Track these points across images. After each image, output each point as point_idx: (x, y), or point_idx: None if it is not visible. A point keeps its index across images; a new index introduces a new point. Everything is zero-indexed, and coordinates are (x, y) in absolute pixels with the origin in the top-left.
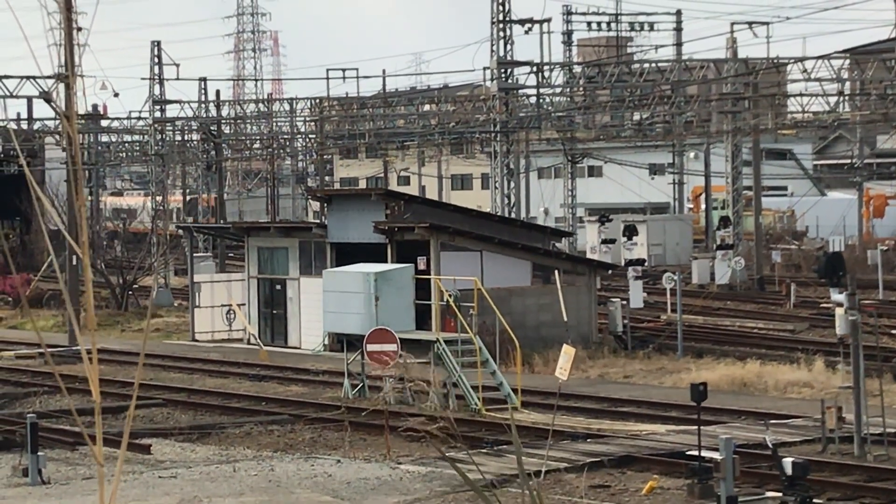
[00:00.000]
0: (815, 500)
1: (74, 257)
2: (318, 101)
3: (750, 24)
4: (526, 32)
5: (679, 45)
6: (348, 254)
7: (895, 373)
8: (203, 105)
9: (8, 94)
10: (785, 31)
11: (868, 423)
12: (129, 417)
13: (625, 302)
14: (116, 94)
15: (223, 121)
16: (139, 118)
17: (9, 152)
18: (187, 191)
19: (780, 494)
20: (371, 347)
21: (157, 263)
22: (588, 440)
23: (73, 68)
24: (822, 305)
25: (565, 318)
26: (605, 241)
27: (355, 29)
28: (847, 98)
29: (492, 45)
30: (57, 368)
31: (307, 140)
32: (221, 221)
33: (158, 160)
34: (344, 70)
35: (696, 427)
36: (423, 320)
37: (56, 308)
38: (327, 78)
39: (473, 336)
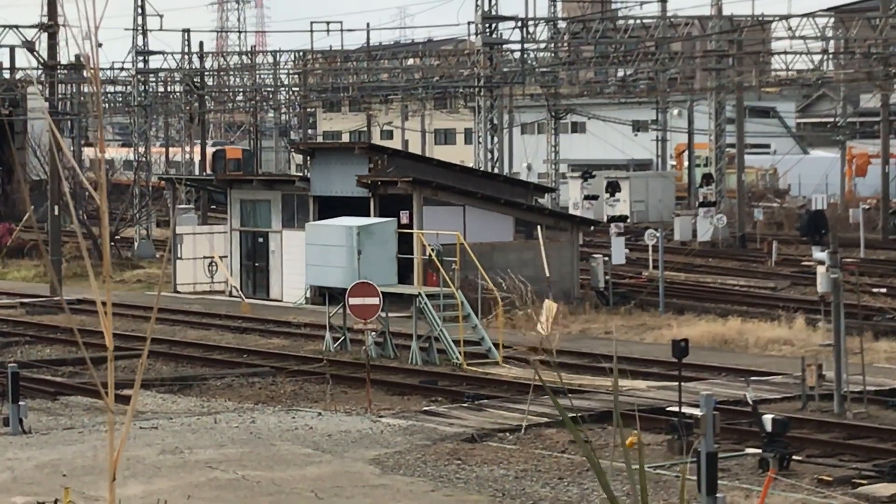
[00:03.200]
0: (794, 457)
1: (56, 207)
2: (301, 53)
3: None
4: None
5: (664, 1)
6: (331, 207)
7: (875, 331)
8: (186, 56)
9: None
10: None
11: (848, 380)
12: (141, 366)
13: (607, 258)
14: (100, 45)
15: (206, 72)
16: (122, 69)
17: None
18: (209, 142)
19: (759, 451)
20: (353, 301)
21: (139, 215)
22: (569, 395)
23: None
24: (803, 263)
25: (547, 274)
26: (587, 198)
27: None
28: (831, 56)
29: (476, 0)
30: (69, 321)
31: (290, 93)
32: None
33: (141, 111)
34: (328, 23)
35: (676, 383)
36: (405, 274)
37: (38, 258)
38: (311, 31)
39: (455, 291)
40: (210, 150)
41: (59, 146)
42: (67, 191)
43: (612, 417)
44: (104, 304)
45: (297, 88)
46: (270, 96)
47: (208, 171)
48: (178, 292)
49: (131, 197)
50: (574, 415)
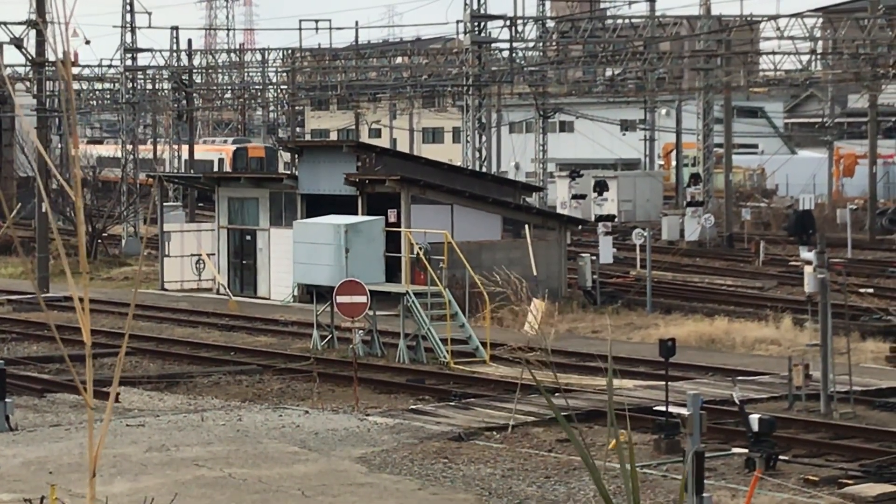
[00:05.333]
0: (780, 457)
1: (44, 204)
2: (290, 51)
3: None
4: None
5: (652, 0)
6: (319, 205)
7: (862, 331)
8: (175, 54)
9: None
10: None
11: (835, 381)
12: (119, 362)
13: (594, 257)
14: (88, 42)
15: (194, 70)
16: (110, 66)
17: None
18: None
19: (746, 451)
20: (341, 299)
21: (126, 212)
22: (556, 394)
23: (67, 14)
24: (790, 263)
25: (535, 273)
26: (575, 197)
27: None
28: (819, 57)
29: None
30: (48, 317)
31: (279, 91)
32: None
33: (129, 109)
34: (317, 21)
35: (663, 382)
36: (392, 273)
37: (25, 255)
38: (300, 29)
39: (443, 289)
40: (231, 148)
41: (51, 140)
42: (52, 187)
43: (600, 416)
44: (81, 300)
45: (286, 86)
46: (259, 94)
47: (228, 169)
48: (166, 290)
49: (118, 194)
50: (564, 413)
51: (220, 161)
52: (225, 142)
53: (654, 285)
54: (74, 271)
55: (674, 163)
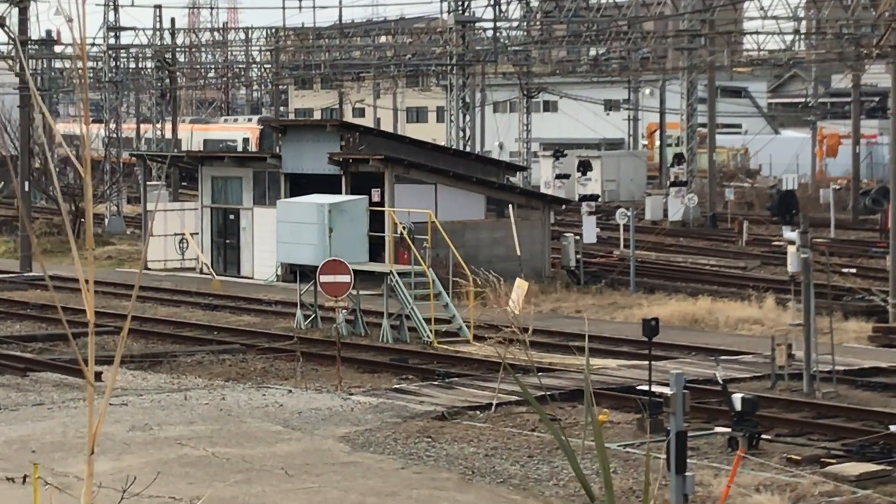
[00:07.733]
0: (763, 436)
1: (27, 183)
2: (273, 30)
3: None
4: None
5: None
6: (302, 184)
7: (845, 311)
8: (158, 33)
9: None
10: None
11: (817, 360)
12: (122, 340)
13: (578, 237)
14: (70, 20)
15: (178, 49)
16: (93, 45)
17: None
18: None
19: (729, 430)
20: (324, 279)
21: (110, 191)
22: (539, 374)
23: None
24: (774, 243)
25: (518, 252)
26: (559, 176)
27: None
28: (803, 37)
29: None
30: (51, 297)
31: (262, 70)
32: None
33: (112, 88)
34: (300, 0)
35: (646, 362)
36: (376, 252)
37: (8, 234)
38: (283, 7)
39: (427, 269)
40: (257, 127)
41: (34, 118)
42: (51, 167)
43: (582, 396)
44: (86, 279)
45: (269, 65)
46: (242, 73)
47: (254, 149)
48: (149, 269)
49: (102, 173)
50: (543, 393)
51: (245, 140)
52: (249, 120)
53: (638, 265)
54: (56, 250)
55: (657, 142)
